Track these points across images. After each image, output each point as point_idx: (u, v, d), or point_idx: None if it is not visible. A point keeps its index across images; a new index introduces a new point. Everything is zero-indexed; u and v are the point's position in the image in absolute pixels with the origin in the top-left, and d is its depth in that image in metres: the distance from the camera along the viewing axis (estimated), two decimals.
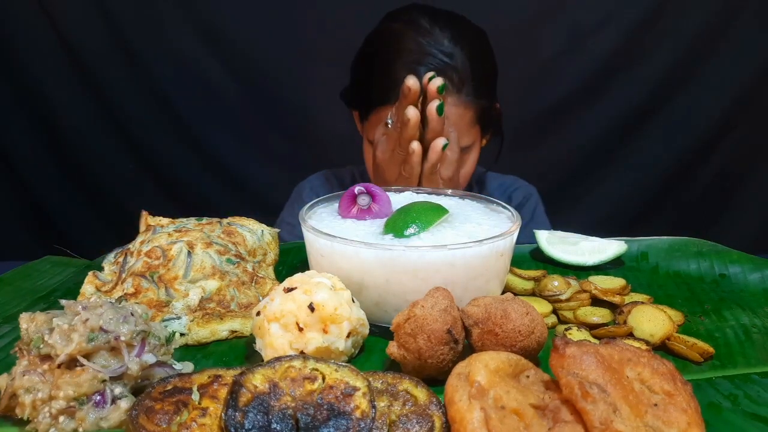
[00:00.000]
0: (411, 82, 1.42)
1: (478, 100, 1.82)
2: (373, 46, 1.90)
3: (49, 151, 3.12)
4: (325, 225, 1.20)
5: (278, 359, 0.84)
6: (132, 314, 0.92)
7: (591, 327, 1.11)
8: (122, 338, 0.88)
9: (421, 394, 0.83)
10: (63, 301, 0.93)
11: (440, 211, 1.19)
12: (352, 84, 1.97)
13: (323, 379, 0.81)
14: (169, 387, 0.82)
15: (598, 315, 1.15)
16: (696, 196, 3.18)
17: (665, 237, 1.55)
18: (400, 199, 1.36)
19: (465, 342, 0.97)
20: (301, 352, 0.94)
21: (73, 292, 1.26)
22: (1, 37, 2.87)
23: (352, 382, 0.81)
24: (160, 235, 1.26)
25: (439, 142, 1.46)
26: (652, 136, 3.10)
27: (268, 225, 1.42)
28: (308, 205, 1.29)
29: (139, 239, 1.29)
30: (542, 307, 1.18)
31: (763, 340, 1.11)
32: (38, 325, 0.88)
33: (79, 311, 0.89)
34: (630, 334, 1.08)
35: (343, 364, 0.85)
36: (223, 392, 0.81)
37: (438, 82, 1.42)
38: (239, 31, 2.90)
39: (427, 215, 1.16)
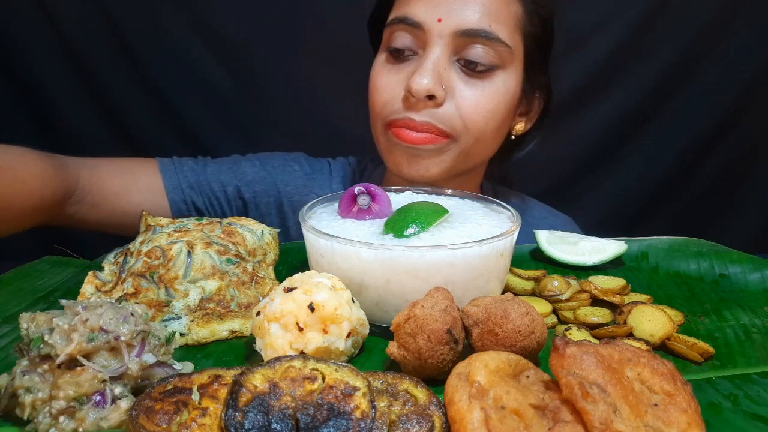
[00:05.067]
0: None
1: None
2: None
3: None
4: (324, 225, 1.20)
5: (278, 359, 0.84)
6: (132, 314, 0.92)
7: (591, 327, 1.11)
8: (122, 338, 0.87)
9: (421, 394, 0.83)
10: (63, 301, 0.93)
11: (440, 211, 1.19)
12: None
13: (323, 379, 0.81)
14: (169, 387, 0.81)
15: (598, 315, 1.15)
16: (696, 196, 3.18)
17: (665, 237, 1.55)
18: (400, 199, 1.36)
19: (465, 342, 0.97)
20: (301, 352, 0.94)
21: (73, 292, 1.26)
22: (1, 39, 2.87)
23: (352, 382, 0.81)
24: (160, 235, 1.26)
25: None
26: (653, 136, 3.09)
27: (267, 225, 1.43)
28: (308, 205, 1.29)
29: (139, 239, 1.29)
30: (542, 307, 1.18)
31: (763, 340, 1.11)
32: (38, 325, 0.88)
33: (79, 311, 0.89)
34: (630, 334, 1.08)
35: (343, 364, 0.85)
36: (223, 392, 0.80)
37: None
38: (240, 32, 2.90)
39: (427, 215, 1.16)
